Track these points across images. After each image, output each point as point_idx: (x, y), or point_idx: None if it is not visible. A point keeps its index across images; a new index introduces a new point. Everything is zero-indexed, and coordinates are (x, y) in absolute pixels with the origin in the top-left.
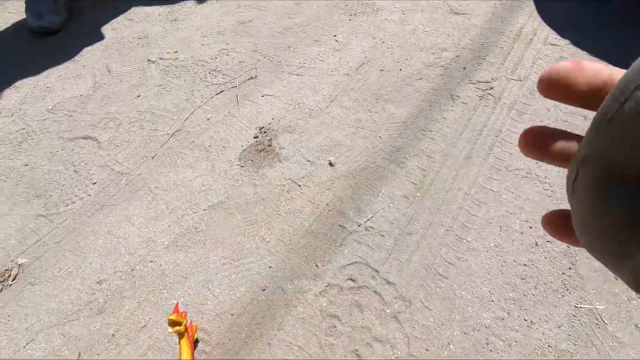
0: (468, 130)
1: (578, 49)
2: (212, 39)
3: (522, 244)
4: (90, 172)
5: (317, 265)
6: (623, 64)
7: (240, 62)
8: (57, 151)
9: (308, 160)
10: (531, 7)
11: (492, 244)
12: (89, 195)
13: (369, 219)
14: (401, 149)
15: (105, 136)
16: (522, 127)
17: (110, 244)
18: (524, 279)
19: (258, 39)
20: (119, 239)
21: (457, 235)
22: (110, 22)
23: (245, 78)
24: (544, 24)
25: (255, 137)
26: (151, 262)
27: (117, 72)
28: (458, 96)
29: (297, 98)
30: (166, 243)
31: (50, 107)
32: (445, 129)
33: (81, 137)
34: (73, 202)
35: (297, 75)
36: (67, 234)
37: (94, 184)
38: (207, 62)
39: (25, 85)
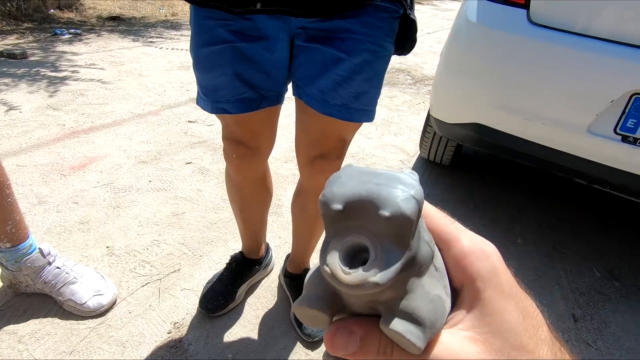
0: None
1: None
2: (148, 228)
3: None
4: None
5: None
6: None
7: (168, 254)
8: None
9: (211, 358)
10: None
11: None
12: None
13: None
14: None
15: (27, 329)
16: None
17: None
18: None
19: (187, 231)
20: None
21: None
22: (56, 204)
23: (169, 271)
24: None
25: (168, 333)
26: None
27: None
28: None
29: None
30: None
31: None
32: None
33: (1, 331)
34: None
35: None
36: None
37: None
38: (139, 252)
39: None
